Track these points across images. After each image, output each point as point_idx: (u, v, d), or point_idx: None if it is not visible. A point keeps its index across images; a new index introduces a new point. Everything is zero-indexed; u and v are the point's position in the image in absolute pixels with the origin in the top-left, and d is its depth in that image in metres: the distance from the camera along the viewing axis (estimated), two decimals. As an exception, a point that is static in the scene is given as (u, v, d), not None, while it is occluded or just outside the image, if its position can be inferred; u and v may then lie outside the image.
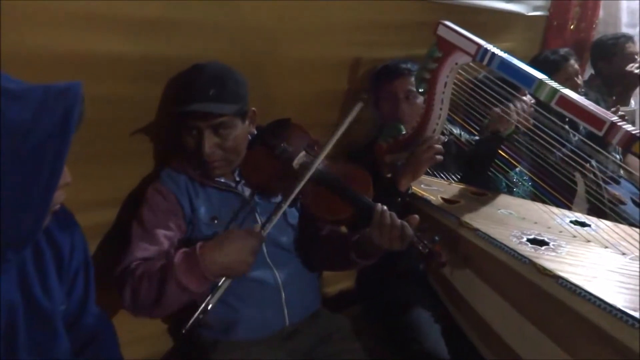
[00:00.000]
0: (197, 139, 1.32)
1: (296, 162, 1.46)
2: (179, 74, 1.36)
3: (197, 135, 1.32)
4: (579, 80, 2.50)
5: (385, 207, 1.29)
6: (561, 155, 1.61)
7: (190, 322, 1.17)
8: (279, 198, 1.47)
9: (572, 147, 1.62)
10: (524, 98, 1.65)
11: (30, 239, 0.84)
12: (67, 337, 1.03)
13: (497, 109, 1.59)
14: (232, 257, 1.18)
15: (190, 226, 1.36)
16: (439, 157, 1.52)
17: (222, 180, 1.42)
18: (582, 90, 2.51)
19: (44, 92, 0.76)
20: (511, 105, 1.58)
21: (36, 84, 0.78)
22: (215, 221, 1.37)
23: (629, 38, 2.89)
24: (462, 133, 1.89)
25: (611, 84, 2.88)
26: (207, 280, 1.18)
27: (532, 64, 2.40)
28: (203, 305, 1.18)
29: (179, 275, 1.15)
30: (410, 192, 1.58)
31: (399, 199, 1.53)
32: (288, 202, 1.32)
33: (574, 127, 2.07)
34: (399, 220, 1.26)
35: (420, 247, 1.24)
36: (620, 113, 2.20)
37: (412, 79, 1.76)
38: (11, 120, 0.73)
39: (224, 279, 1.20)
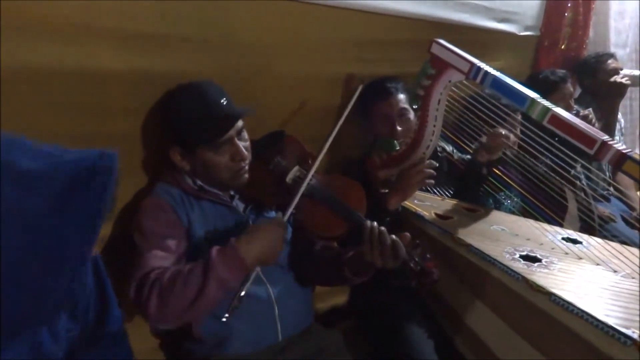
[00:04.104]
0: (230, 151, 1.35)
1: (290, 177, 1.47)
2: (170, 106, 1.35)
3: (229, 148, 1.35)
4: (572, 102, 2.55)
5: (376, 225, 1.29)
6: (547, 168, 1.62)
7: (230, 308, 1.19)
8: (272, 213, 1.48)
9: (560, 162, 1.64)
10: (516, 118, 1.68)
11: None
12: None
13: (484, 139, 1.62)
14: (265, 246, 1.23)
15: (186, 238, 1.35)
16: (430, 181, 1.55)
17: (217, 191, 1.41)
18: (575, 109, 2.55)
19: (71, 178, 0.69)
20: (499, 131, 1.61)
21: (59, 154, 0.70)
22: (210, 236, 1.36)
23: (610, 55, 2.99)
24: (455, 150, 1.91)
25: (599, 100, 2.93)
26: (245, 271, 1.21)
27: (530, 82, 2.45)
28: (237, 293, 1.20)
29: (218, 270, 1.17)
30: (399, 210, 1.59)
31: (388, 218, 1.54)
32: (286, 218, 1.32)
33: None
34: (390, 238, 1.26)
35: (413, 265, 1.24)
36: (582, 114, 2.27)
37: (402, 95, 1.78)
38: (27, 208, 0.67)
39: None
